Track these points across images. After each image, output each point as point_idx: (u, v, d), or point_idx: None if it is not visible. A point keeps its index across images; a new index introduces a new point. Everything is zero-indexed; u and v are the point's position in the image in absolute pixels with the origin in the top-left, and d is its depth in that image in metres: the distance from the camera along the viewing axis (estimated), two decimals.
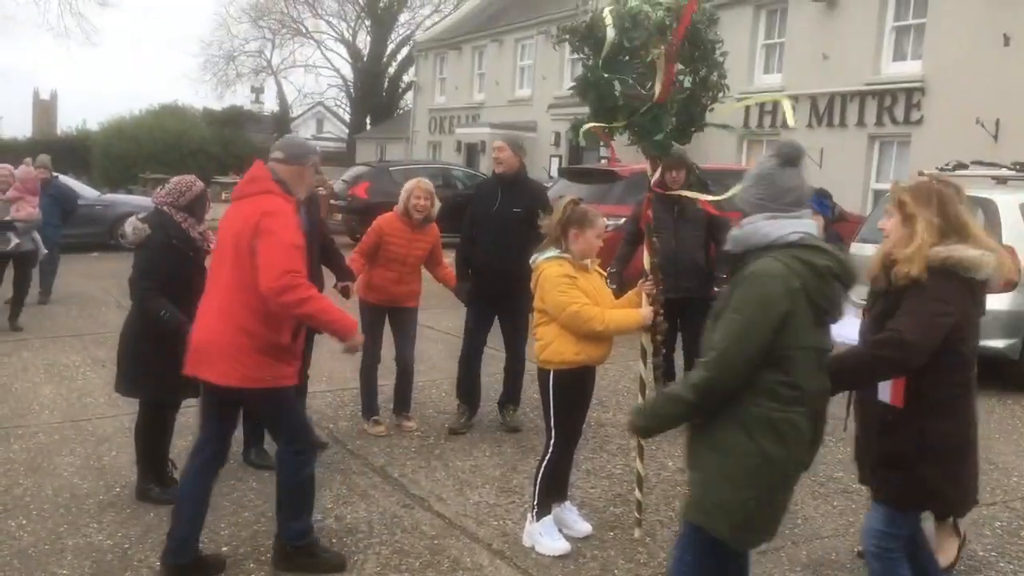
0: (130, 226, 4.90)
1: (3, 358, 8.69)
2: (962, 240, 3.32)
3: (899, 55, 16.01)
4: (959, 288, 3.30)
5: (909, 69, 15.69)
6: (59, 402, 6.98)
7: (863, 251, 8.82)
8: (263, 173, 4.07)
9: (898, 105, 15.62)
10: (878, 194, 15.80)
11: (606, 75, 4.17)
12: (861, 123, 16.26)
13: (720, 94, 4.44)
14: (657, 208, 6.22)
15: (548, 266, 4.36)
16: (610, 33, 4.16)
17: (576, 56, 4.76)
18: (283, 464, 4.12)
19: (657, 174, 4.70)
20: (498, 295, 6.18)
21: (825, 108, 16.85)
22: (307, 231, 5.57)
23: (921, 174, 9.96)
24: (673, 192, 6.28)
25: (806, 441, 2.99)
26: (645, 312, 4.44)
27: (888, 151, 16.18)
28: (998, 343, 7.81)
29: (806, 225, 3.01)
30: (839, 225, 11.04)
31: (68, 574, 4.11)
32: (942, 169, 9.45)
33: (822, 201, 7.19)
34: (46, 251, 10.60)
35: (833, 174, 15.54)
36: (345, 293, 6.08)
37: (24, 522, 4.74)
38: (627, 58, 4.25)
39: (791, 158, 3.07)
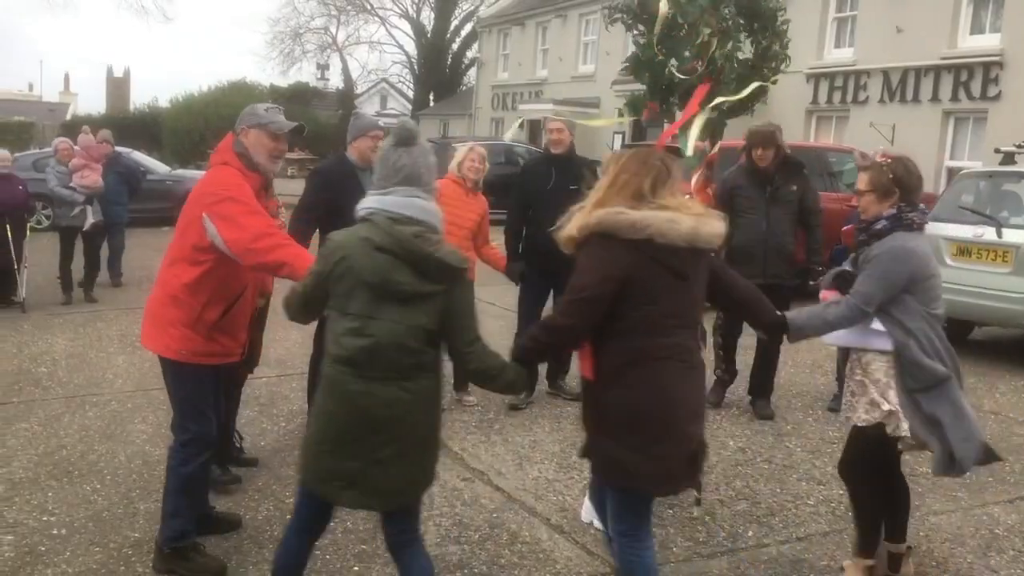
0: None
1: (79, 329, 8.98)
2: (640, 204, 3.06)
3: (976, 28, 15.49)
4: (618, 253, 3.02)
5: (987, 42, 15.17)
6: (131, 372, 7.20)
7: (934, 230, 8.60)
8: (224, 144, 3.96)
9: (975, 80, 15.13)
10: (952, 172, 15.36)
11: (659, 55, 4.14)
12: (935, 99, 15.80)
13: (783, 65, 4.36)
14: (748, 187, 6.25)
15: None
16: (663, 8, 4.12)
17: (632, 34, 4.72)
18: (171, 453, 3.94)
19: (716, 149, 4.63)
20: (554, 271, 6.17)
21: (898, 83, 16.40)
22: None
23: (997, 151, 9.70)
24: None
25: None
26: None
27: (963, 128, 15.70)
28: None
29: (389, 202, 3.05)
30: None
31: (140, 536, 4.24)
32: (1019, 146, 9.17)
33: None
34: (102, 218, 10.74)
35: (905, 151, 15.13)
36: None
37: (99, 486, 4.91)
38: (682, 33, 4.21)
39: (403, 139, 3.14)
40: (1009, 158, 9.15)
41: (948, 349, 3.67)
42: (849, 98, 17.42)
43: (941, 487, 5.16)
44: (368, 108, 49.82)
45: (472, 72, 38.66)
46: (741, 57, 4.08)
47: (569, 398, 6.44)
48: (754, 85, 4.26)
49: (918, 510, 4.84)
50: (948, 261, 8.38)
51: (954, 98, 15.47)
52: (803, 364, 7.75)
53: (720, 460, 5.44)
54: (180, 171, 19.17)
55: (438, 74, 42.15)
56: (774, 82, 4.12)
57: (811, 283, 6.02)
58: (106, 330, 8.80)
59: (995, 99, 14.81)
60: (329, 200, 5.37)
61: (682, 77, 4.11)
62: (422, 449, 3.08)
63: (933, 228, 8.59)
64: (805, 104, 17.66)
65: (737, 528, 4.52)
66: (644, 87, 4.20)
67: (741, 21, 4.05)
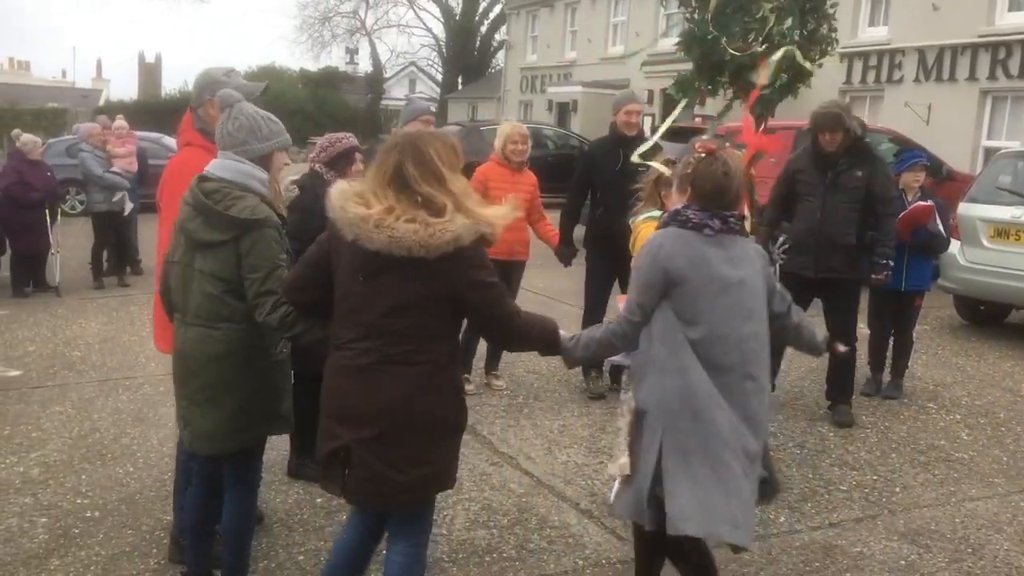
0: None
1: (112, 312, 9.07)
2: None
3: (1015, 4, 15.14)
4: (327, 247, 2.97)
5: None
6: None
7: (971, 211, 8.46)
8: (185, 123, 3.93)
9: (1013, 58, 14.81)
10: (989, 152, 15.06)
11: (713, 30, 4.07)
12: (972, 77, 15.48)
13: (829, 48, 4.27)
14: (810, 172, 5.76)
15: (644, 226, 4.31)
16: None
17: (672, 11, 4.65)
18: (179, 448, 3.82)
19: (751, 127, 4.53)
20: (618, 256, 6.05)
21: (934, 62, 16.10)
22: None
23: None
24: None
25: None
26: None
27: (1001, 107, 15.38)
28: None
29: (208, 164, 3.28)
30: (947, 184, 10.64)
31: (172, 520, 4.28)
32: None
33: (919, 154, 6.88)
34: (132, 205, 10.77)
35: (941, 131, 14.91)
36: None
37: (131, 469, 4.96)
38: (734, 11, 4.14)
39: (223, 108, 3.30)
40: None
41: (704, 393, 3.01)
42: (884, 77, 17.13)
43: (978, 473, 5.08)
44: (397, 92, 49.74)
45: (500, 55, 38.48)
46: (797, 37, 4.01)
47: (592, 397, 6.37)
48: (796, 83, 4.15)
49: (954, 496, 4.78)
50: (985, 243, 8.24)
51: (991, 77, 15.15)
52: None
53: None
54: None
55: (466, 57, 42.03)
56: (820, 65, 4.05)
57: (872, 277, 5.76)
58: (138, 314, 8.87)
59: None
60: None
61: (734, 54, 4.03)
62: (236, 398, 3.21)
63: (970, 209, 8.46)
64: (839, 84, 17.36)
65: (768, 514, 4.46)
66: (683, 67, 4.14)
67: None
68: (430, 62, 49.65)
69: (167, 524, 4.19)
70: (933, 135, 14.37)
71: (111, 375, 6.80)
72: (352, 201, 2.81)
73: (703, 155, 3.17)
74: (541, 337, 3.06)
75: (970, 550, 4.12)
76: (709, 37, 4.08)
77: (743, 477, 3.01)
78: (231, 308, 3.17)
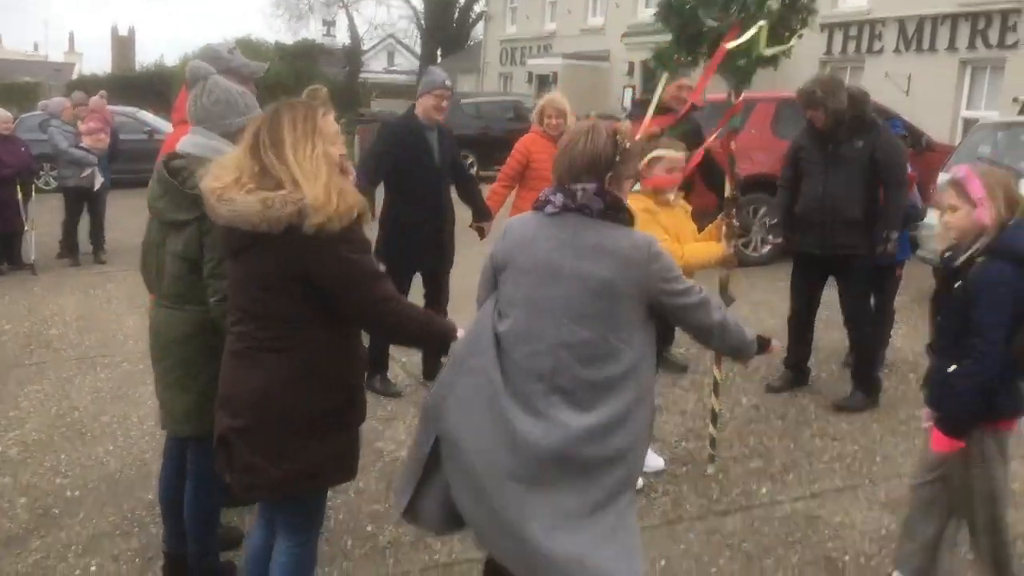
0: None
1: (89, 290, 8.97)
2: None
3: None
4: None
5: None
6: (141, 333, 7.11)
7: None
8: (179, 101, 3.88)
9: (992, 28, 14.81)
10: (968, 122, 15.09)
11: (691, 1, 4.02)
12: (952, 47, 15.48)
13: (809, 17, 4.23)
14: (810, 148, 5.62)
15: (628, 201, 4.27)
16: None
17: None
18: None
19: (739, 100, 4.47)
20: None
21: (914, 32, 16.09)
22: (438, 162, 5.60)
23: (1015, 100, 9.51)
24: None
25: None
26: (723, 246, 4.35)
27: (980, 77, 15.40)
28: None
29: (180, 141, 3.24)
30: (927, 155, 10.66)
31: (153, 499, 4.22)
32: None
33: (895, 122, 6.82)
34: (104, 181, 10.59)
35: (921, 101, 14.93)
36: (480, 233, 6.07)
37: (111, 448, 4.91)
38: None
39: (191, 83, 3.25)
40: None
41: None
42: (864, 48, 17.11)
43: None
44: (375, 65, 49.36)
45: (480, 26, 38.16)
46: (774, 7, 3.96)
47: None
48: (776, 48, 4.09)
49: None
50: None
51: (971, 47, 15.16)
52: (817, 318, 7.65)
53: (733, 417, 5.41)
54: None
55: (445, 29, 41.63)
56: (800, 36, 4.00)
57: (878, 252, 5.49)
58: (115, 291, 8.79)
59: (1013, 47, 14.50)
60: (394, 155, 5.48)
61: (712, 24, 3.97)
62: (204, 380, 3.08)
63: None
64: (819, 55, 17.34)
65: (751, 485, 4.49)
66: (664, 38, 4.09)
67: None
68: (408, 34, 49.19)
69: (148, 503, 4.16)
70: (913, 105, 14.40)
71: (89, 353, 6.74)
72: (210, 174, 2.69)
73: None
74: (423, 334, 2.83)
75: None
76: (687, 7, 4.02)
77: (504, 497, 2.55)
78: (198, 289, 3.08)
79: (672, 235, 4.21)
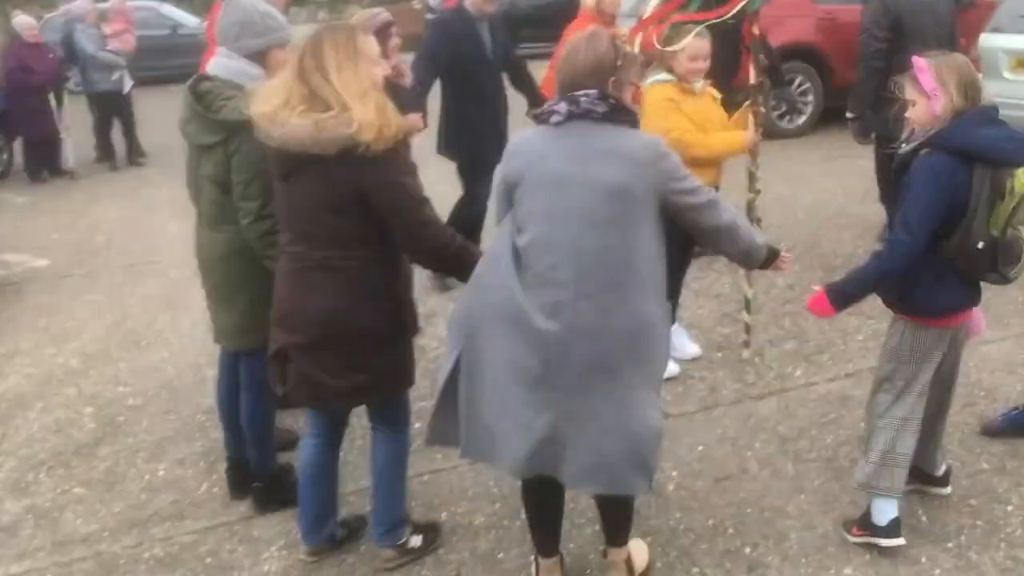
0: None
1: (129, 195, 9.14)
2: None
3: None
4: None
5: None
6: (186, 239, 7.25)
7: (993, 42, 8.21)
8: (211, 19, 3.92)
9: None
10: None
11: None
12: None
13: None
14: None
15: (651, 91, 4.22)
16: None
17: None
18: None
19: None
20: None
21: None
22: (491, 55, 5.61)
23: None
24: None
25: None
26: (748, 135, 4.30)
27: None
28: None
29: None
30: (971, 12, 10.24)
31: (211, 403, 4.40)
32: None
33: None
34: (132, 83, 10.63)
35: None
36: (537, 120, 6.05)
37: (167, 355, 5.13)
38: None
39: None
40: None
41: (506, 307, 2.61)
42: None
43: (993, 315, 5.13)
44: None
45: None
46: None
47: None
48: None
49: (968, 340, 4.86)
50: (1006, 75, 8.02)
51: None
52: (854, 192, 7.60)
53: (769, 299, 5.46)
54: None
55: None
56: None
57: None
58: (156, 196, 8.93)
59: None
60: (449, 52, 5.49)
61: None
62: (246, 297, 3.25)
63: (992, 40, 8.20)
64: None
65: (785, 368, 4.59)
66: None
67: None
68: None
69: (207, 408, 4.35)
70: None
71: (136, 260, 6.93)
72: (260, 98, 2.78)
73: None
74: (455, 262, 2.91)
75: (983, 393, 4.23)
76: None
77: (527, 408, 2.60)
78: (231, 210, 3.15)
79: (697, 124, 4.18)
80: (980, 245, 2.84)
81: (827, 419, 4.08)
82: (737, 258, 2.97)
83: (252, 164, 3.05)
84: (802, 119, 10.07)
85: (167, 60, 16.46)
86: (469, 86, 5.57)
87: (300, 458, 3.22)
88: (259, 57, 3.19)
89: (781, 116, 10.00)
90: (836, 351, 4.75)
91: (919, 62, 3.05)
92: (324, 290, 2.78)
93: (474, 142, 5.62)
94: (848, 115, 5.84)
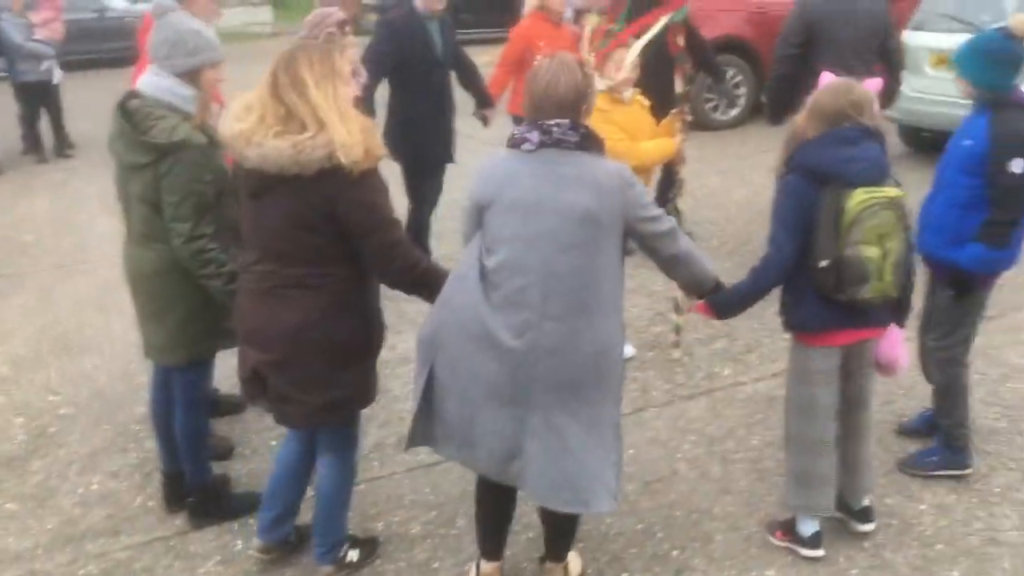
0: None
1: (58, 189, 8.94)
2: None
3: None
4: None
5: None
6: (116, 235, 7.16)
7: (915, 40, 8.43)
8: (142, 34, 4.01)
9: None
10: None
11: None
12: None
13: None
14: None
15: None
16: None
17: None
18: None
19: None
20: None
21: None
22: (440, 54, 5.61)
23: None
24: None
25: None
26: (676, 141, 4.41)
27: None
28: None
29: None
30: (896, 5, 10.51)
31: (145, 411, 4.39)
32: None
33: None
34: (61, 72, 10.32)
35: None
36: (484, 121, 6.11)
37: (99, 361, 5.07)
38: None
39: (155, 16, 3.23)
40: None
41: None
42: None
43: None
44: None
45: None
46: None
47: None
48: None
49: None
50: (928, 71, 8.28)
51: None
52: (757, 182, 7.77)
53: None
54: (141, 6, 18.31)
55: None
56: None
57: None
58: (85, 189, 8.74)
59: None
60: (397, 51, 5.47)
61: None
62: (175, 315, 3.28)
63: (914, 38, 8.43)
64: None
65: (714, 367, 4.72)
66: None
67: None
68: None
69: (141, 416, 4.33)
70: None
71: (66, 260, 6.81)
72: (232, 116, 2.79)
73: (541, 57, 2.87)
74: (422, 281, 2.92)
75: (901, 391, 4.39)
76: None
77: (497, 421, 2.70)
78: (160, 229, 3.16)
79: (628, 133, 4.27)
80: (822, 264, 2.91)
81: (753, 420, 4.22)
82: (686, 285, 3.11)
83: (184, 185, 3.06)
84: (735, 111, 10.25)
85: (95, 44, 16.08)
86: (416, 87, 5.56)
87: (278, 455, 3.27)
88: (190, 76, 3.17)
89: (715, 108, 10.17)
90: (764, 350, 4.90)
91: (825, 74, 3.18)
92: (298, 307, 2.82)
93: (420, 143, 5.63)
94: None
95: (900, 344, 3.24)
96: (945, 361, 3.69)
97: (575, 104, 2.71)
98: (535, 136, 2.68)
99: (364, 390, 3.04)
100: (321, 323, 2.82)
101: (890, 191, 2.92)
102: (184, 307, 3.27)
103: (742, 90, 10.22)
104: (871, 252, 2.88)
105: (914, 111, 8.47)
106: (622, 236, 2.74)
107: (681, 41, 4.57)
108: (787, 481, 3.31)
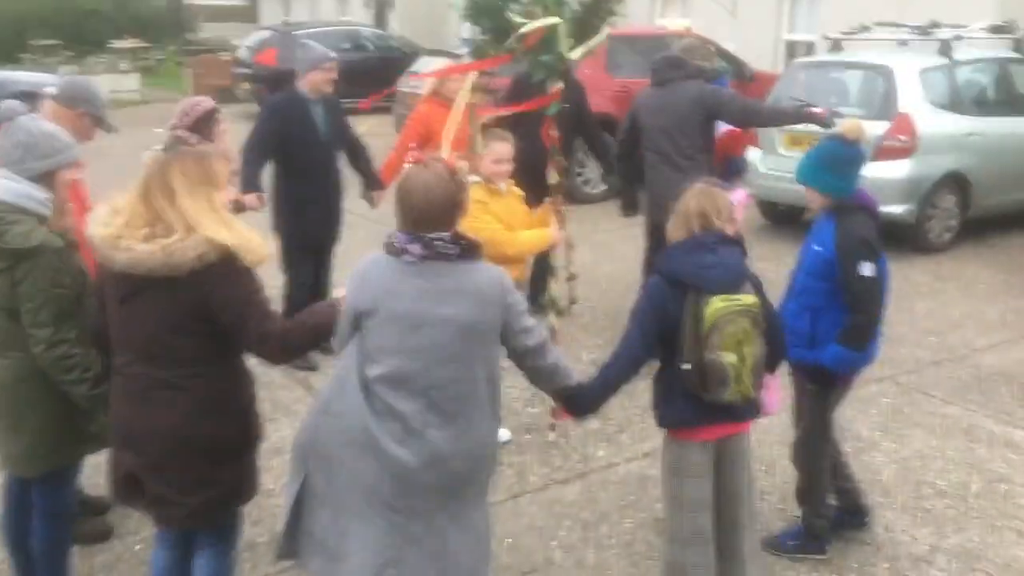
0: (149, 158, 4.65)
1: None
2: None
3: None
4: None
5: None
6: None
7: None
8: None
9: None
10: (790, 46, 15.82)
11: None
12: None
13: (612, 16, 4.46)
14: None
15: None
16: None
17: None
18: None
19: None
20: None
21: None
22: (324, 136, 5.66)
23: (826, 38, 10.05)
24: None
25: None
26: (552, 230, 4.55)
27: (800, 2, 16.07)
28: (895, 208, 8.07)
29: None
30: (751, 86, 11.17)
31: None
32: (847, 33, 9.55)
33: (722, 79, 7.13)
34: None
35: (747, 25, 15.48)
36: (371, 202, 6.17)
37: None
38: None
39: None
40: (837, 45, 9.52)
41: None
42: None
43: None
44: None
45: None
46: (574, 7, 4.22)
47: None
48: (584, 46, 4.39)
49: None
50: (781, 151, 8.81)
51: None
52: (627, 256, 8.06)
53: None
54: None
55: None
56: (606, 35, 4.30)
57: None
58: None
59: None
60: (280, 133, 5.53)
61: (522, 21, 4.18)
62: (34, 423, 3.17)
63: None
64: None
65: (588, 448, 4.82)
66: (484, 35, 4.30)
67: None
68: None
69: None
70: (739, 29, 14.93)
71: None
72: (99, 220, 2.80)
73: (412, 165, 2.90)
74: (315, 339, 2.94)
75: (763, 468, 4.60)
76: (494, 6, 4.22)
77: (375, 531, 2.71)
78: (17, 336, 3.06)
79: (505, 223, 4.39)
80: (686, 366, 3.03)
81: (626, 502, 4.33)
82: (549, 393, 3.21)
83: (41, 291, 3.00)
84: (603, 186, 10.60)
85: None
86: (299, 167, 5.64)
87: (152, 565, 3.16)
88: (44, 178, 3.13)
89: (585, 182, 10.50)
90: (635, 429, 5.04)
91: (738, 192, 3.36)
92: (171, 408, 2.80)
93: (300, 222, 5.71)
94: None
95: (773, 389, 3.43)
96: (805, 451, 3.86)
97: (451, 215, 2.76)
98: (417, 249, 2.70)
99: (245, 486, 3.03)
100: (196, 422, 2.81)
101: (746, 298, 3.06)
102: (43, 415, 3.17)
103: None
104: (730, 358, 3.00)
105: (771, 187, 9.00)
106: (499, 339, 2.80)
107: (555, 133, 4.74)
108: (663, 571, 3.37)
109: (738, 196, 3.37)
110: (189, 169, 2.79)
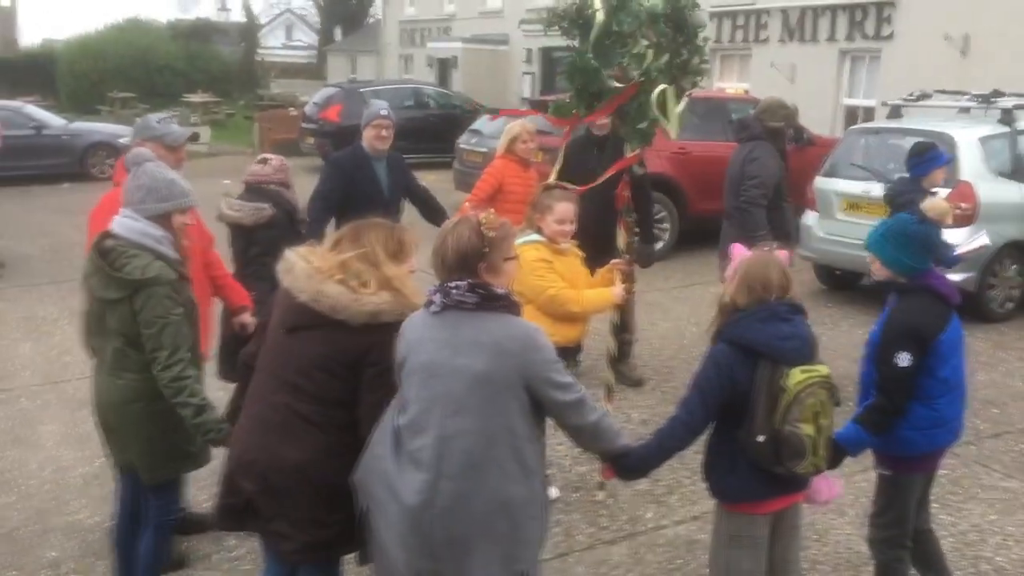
0: (227, 204, 4.86)
1: None
2: None
3: None
4: None
5: None
6: (39, 361, 7.06)
7: (827, 185, 8.94)
8: (119, 165, 4.23)
9: (869, 19, 15.49)
10: (849, 111, 15.82)
11: (594, 61, 4.30)
12: (832, 38, 16.13)
13: (700, 78, 4.55)
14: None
15: (524, 250, 4.35)
16: (599, 16, 4.28)
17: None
18: None
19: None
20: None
21: (797, 22, 16.69)
22: (387, 193, 5.81)
23: (884, 104, 10.03)
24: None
25: None
26: (616, 291, 4.55)
27: (859, 67, 16.11)
28: (956, 277, 7.95)
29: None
30: (809, 150, 11.18)
31: (57, 556, 4.30)
32: (906, 99, 9.53)
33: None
34: None
35: (805, 90, 15.53)
36: None
37: (12, 499, 4.90)
38: (612, 44, 4.38)
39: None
40: (896, 111, 9.50)
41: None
42: (751, 37, 17.66)
43: None
44: (272, 40, 48.36)
45: (379, 4, 37.73)
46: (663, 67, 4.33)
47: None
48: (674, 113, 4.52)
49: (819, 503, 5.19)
50: (839, 216, 8.76)
51: (849, 37, 15.82)
52: (706, 319, 8.04)
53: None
54: (78, 124, 18.42)
55: (344, 5, 41.02)
56: (689, 95, 4.42)
57: None
58: (8, 312, 8.58)
59: (888, 38, 15.20)
60: (342, 191, 5.63)
61: (617, 85, 4.32)
62: (140, 441, 3.48)
63: (826, 183, 8.96)
64: (710, 43, 17.81)
65: (637, 510, 4.78)
66: (571, 91, 4.40)
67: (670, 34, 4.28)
68: (305, 9, 48.29)
69: (51, 561, 4.21)
70: (798, 94, 14.97)
71: None
72: (300, 255, 3.03)
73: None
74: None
75: (815, 536, 4.52)
76: (590, 67, 4.32)
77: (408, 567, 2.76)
78: (133, 360, 3.39)
79: (568, 282, 4.41)
80: (760, 439, 2.95)
81: (673, 565, 4.28)
82: (594, 453, 3.22)
83: (159, 318, 3.31)
84: (659, 245, 10.61)
85: (30, 160, 16.08)
86: None
87: None
88: (162, 219, 3.44)
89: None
90: (684, 491, 4.98)
91: (736, 247, 3.34)
92: (302, 443, 2.92)
93: None
94: None
95: (828, 481, 3.28)
96: (881, 541, 3.66)
97: (465, 264, 2.77)
98: (438, 299, 2.78)
99: (351, 534, 3.03)
100: (323, 462, 2.92)
101: (822, 369, 3.01)
102: (147, 434, 3.47)
103: (665, 225, 10.65)
104: (808, 430, 2.93)
105: (827, 252, 8.93)
106: (530, 398, 2.76)
107: (627, 194, 4.81)
108: None
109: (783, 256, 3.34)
110: (386, 240, 3.03)
